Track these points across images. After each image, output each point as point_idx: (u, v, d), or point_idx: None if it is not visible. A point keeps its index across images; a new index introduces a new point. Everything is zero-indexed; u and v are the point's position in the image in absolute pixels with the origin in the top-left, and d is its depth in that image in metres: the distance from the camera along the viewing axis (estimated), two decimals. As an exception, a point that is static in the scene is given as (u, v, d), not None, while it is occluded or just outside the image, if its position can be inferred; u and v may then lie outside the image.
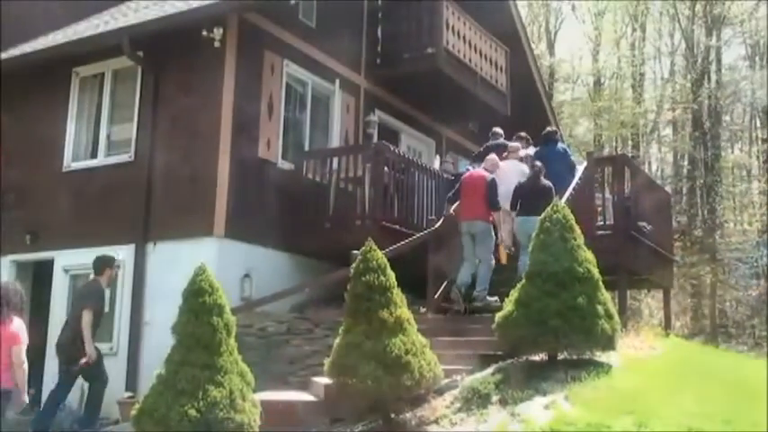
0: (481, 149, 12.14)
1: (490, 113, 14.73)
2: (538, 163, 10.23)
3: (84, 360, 8.59)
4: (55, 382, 9.26)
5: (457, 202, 10.34)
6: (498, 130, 12.38)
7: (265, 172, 11.08)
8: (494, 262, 9.89)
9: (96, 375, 9.05)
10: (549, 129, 12.01)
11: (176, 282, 8.11)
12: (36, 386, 11.05)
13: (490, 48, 14.62)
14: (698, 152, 28.42)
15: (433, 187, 12.11)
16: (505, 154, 11.24)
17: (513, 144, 11.32)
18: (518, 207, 9.86)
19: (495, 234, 10.10)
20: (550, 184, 9.72)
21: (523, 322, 7.30)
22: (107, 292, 10.81)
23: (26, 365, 7.07)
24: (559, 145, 11.59)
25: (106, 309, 9.65)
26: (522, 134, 12.20)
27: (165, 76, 11.02)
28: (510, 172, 10.61)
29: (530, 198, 9.61)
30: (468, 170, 12.35)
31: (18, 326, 7.03)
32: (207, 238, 10.20)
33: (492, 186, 9.83)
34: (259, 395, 6.58)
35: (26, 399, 7.31)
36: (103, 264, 9.29)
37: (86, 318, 8.65)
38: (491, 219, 9.88)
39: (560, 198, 8.91)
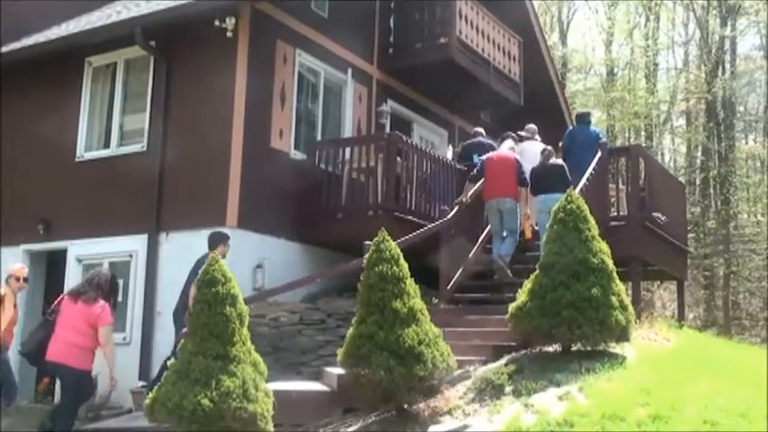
0: (459, 149, 12.92)
1: (503, 103, 14.69)
2: (547, 147, 10.78)
3: (184, 330, 8.69)
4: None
5: (479, 182, 10.62)
6: (479, 129, 13.02)
7: (278, 162, 11.06)
8: (519, 236, 10.34)
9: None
10: (581, 110, 12.76)
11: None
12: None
13: (503, 38, 14.53)
14: (711, 143, 28.24)
15: (446, 177, 12.08)
16: (521, 133, 11.62)
17: (531, 126, 11.36)
18: (537, 188, 10.26)
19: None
20: (561, 163, 10.50)
21: (537, 313, 7.28)
22: (120, 282, 10.90)
23: (113, 344, 7.77)
24: (592, 128, 11.87)
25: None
26: (511, 133, 12.42)
27: (178, 66, 11.02)
28: (534, 152, 11.01)
29: (546, 177, 10.21)
30: (480, 161, 12.43)
31: (102, 306, 7.71)
32: (219, 228, 10.18)
33: (521, 166, 10.38)
34: (272, 385, 6.59)
35: (115, 377, 7.88)
36: (217, 240, 9.27)
37: (193, 290, 8.72)
38: (518, 196, 10.32)
39: (576, 187, 8.90)
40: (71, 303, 7.85)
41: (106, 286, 7.92)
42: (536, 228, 10.44)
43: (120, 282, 10.87)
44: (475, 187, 10.65)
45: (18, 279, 8.96)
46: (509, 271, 9.89)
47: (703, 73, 28.71)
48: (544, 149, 10.69)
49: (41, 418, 8.03)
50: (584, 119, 12.05)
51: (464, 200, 10.55)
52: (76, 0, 13.72)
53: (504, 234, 10.31)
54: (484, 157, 10.88)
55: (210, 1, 10.46)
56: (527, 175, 10.39)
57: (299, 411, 7.21)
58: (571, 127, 11.98)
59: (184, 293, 9.01)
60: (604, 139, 11.34)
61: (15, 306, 8.67)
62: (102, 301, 7.77)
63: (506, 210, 10.28)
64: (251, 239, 10.43)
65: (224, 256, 9.17)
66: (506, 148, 10.89)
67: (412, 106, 14.24)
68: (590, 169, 10.24)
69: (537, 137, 11.86)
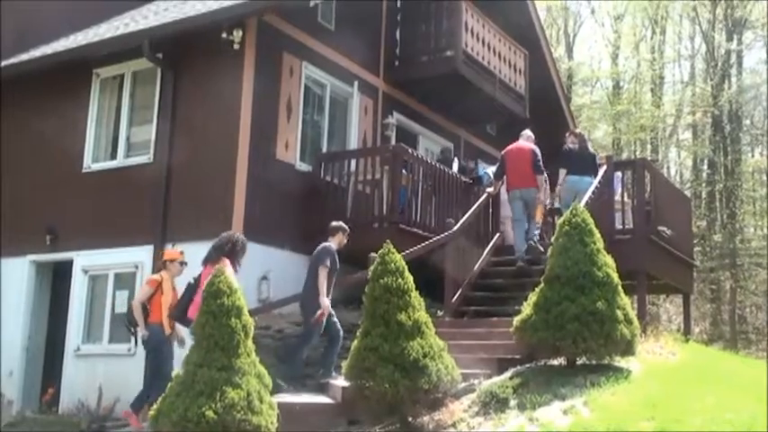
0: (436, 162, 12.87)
1: (509, 116, 14.71)
2: (579, 132, 11.73)
3: (319, 312, 8.66)
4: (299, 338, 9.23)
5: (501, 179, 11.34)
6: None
7: (283, 174, 11.08)
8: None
9: (328, 330, 8.98)
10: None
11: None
12: (56, 385, 11.15)
13: (509, 50, 14.57)
14: (718, 156, 28.16)
15: (451, 190, 12.10)
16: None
17: (526, 132, 11.46)
18: (570, 169, 10.86)
19: None
20: (594, 152, 11.54)
21: (542, 326, 7.27)
22: (126, 293, 10.92)
23: None
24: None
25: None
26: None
27: (185, 78, 11.06)
28: None
29: (582, 160, 10.95)
30: (485, 173, 12.53)
31: (221, 263, 7.62)
32: (224, 240, 10.19)
33: (535, 154, 10.94)
34: (276, 397, 6.59)
35: None
36: (334, 229, 9.33)
37: (321, 274, 8.78)
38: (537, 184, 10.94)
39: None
40: (204, 269, 8.13)
41: (227, 247, 8.15)
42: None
43: (125, 293, 10.93)
44: (499, 184, 11.47)
45: (177, 263, 9.00)
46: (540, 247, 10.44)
47: (709, 86, 28.67)
48: (579, 133, 11.54)
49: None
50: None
51: (492, 191, 11.49)
52: (87, 5, 13.81)
53: (528, 221, 10.90)
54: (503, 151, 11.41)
55: (218, 13, 10.51)
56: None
57: (303, 423, 7.19)
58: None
59: (308, 280, 9.02)
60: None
61: (174, 290, 8.74)
62: (224, 260, 7.93)
63: (530, 199, 10.86)
64: (256, 251, 10.36)
65: (339, 246, 9.18)
66: (523, 140, 11.23)
67: (417, 118, 14.27)
68: (595, 182, 10.27)
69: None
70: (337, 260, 8.99)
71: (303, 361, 8.88)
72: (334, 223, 9.34)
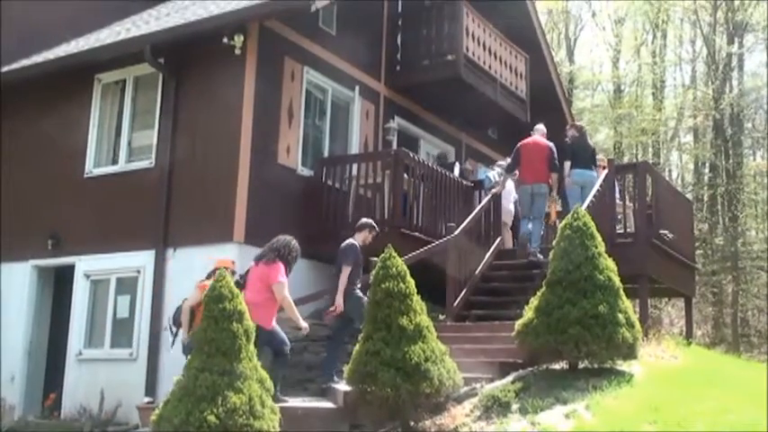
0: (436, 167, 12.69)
1: (510, 120, 14.71)
2: (579, 123, 11.80)
3: (331, 309, 8.78)
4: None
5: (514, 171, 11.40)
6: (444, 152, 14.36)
7: (285, 178, 11.10)
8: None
9: (342, 328, 9.05)
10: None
11: (196, 287, 8.13)
12: (57, 390, 11.16)
13: (510, 54, 14.58)
14: (719, 159, 28.17)
15: (453, 194, 12.10)
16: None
17: (539, 126, 11.46)
18: (574, 162, 10.87)
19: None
20: (592, 145, 11.59)
21: (544, 330, 7.27)
22: (128, 298, 10.94)
23: (289, 300, 8.01)
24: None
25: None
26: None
27: (186, 83, 11.08)
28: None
29: (584, 152, 10.98)
30: (487, 177, 12.53)
31: (275, 267, 8.06)
32: (227, 244, 10.21)
33: (552, 152, 10.89)
34: (277, 401, 6.58)
35: (305, 326, 8.23)
36: (361, 226, 9.37)
37: (344, 272, 8.84)
38: (550, 181, 10.89)
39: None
40: (254, 267, 8.24)
41: (284, 250, 8.27)
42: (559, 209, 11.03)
43: (127, 298, 10.94)
44: (505, 180, 11.63)
45: (230, 272, 8.93)
46: (540, 256, 10.27)
47: (711, 90, 28.68)
48: (579, 126, 11.56)
49: None
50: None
51: (497, 190, 11.62)
52: (88, 9, 13.84)
53: (531, 220, 10.76)
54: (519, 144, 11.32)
55: (219, 19, 10.53)
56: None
57: (304, 428, 7.19)
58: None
59: (335, 278, 9.05)
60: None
61: None
62: (278, 262, 8.08)
63: (540, 194, 10.80)
64: (258, 255, 10.43)
65: (364, 243, 9.20)
66: (539, 135, 11.22)
67: (419, 123, 14.28)
68: (597, 186, 10.27)
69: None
70: (360, 256, 9.04)
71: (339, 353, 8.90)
72: (362, 220, 9.44)
